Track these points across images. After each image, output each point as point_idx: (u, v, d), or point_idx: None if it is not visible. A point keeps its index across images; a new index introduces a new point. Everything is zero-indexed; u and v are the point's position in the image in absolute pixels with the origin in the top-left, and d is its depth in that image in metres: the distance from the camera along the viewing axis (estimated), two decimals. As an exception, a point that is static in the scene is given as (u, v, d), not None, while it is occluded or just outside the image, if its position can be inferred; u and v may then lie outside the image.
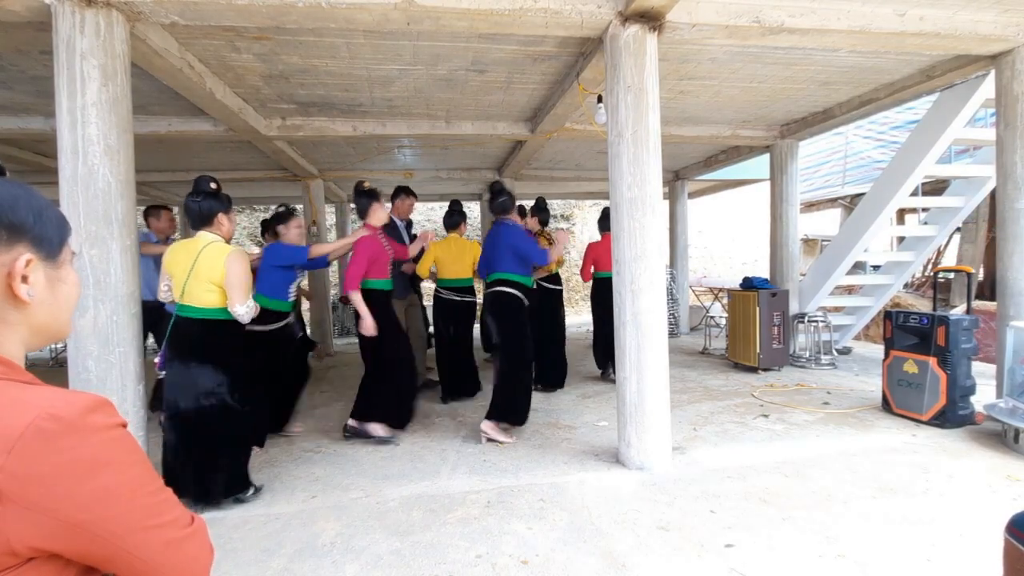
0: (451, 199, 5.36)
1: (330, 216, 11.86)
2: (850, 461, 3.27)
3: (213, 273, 2.77)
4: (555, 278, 5.45)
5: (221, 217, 2.90)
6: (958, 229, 9.34)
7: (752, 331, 5.84)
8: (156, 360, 2.96)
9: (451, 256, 4.85)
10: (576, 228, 14.80)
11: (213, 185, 2.90)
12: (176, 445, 2.81)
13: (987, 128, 6.27)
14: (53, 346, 8.43)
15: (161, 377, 2.95)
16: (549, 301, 5.32)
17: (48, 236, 0.73)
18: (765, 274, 7.19)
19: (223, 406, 2.82)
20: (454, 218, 4.96)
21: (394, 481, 3.18)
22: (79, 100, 2.72)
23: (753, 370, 5.90)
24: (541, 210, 5.14)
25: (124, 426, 0.68)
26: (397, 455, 3.62)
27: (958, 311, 6.93)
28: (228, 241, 2.94)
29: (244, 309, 2.79)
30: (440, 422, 4.36)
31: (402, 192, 5.24)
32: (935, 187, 8.57)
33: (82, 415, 0.62)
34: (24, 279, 0.69)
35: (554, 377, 5.29)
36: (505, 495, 2.94)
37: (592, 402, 4.82)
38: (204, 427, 2.79)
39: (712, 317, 7.96)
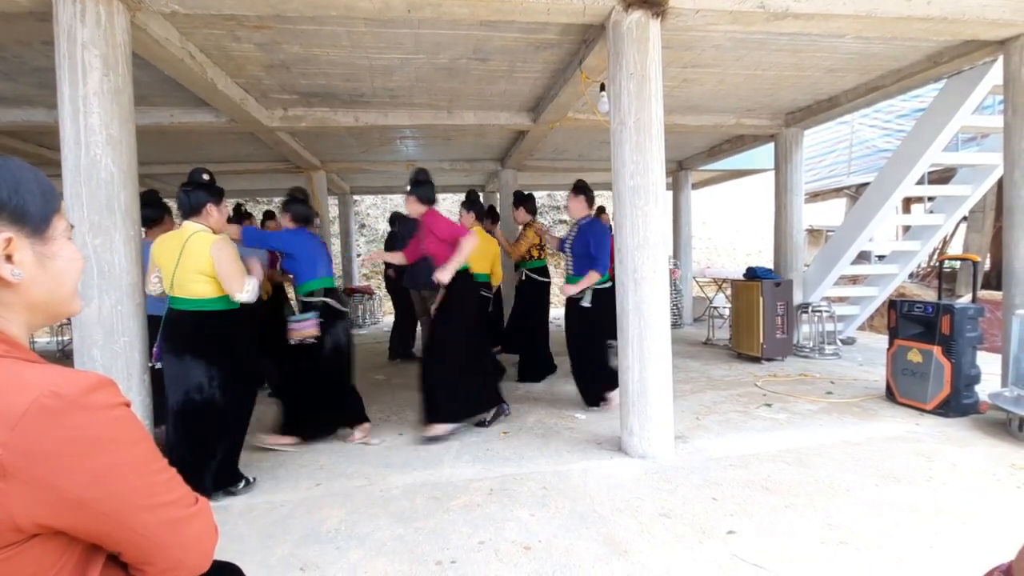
0: (465, 189, 5.12)
1: (333, 208, 11.86)
2: (853, 450, 3.27)
3: (199, 263, 2.73)
4: (542, 270, 5.21)
5: (210, 208, 2.85)
6: (965, 218, 9.27)
7: (756, 321, 5.83)
8: (154, 351, 2.94)
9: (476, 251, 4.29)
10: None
11: (206, 176, 2.89)
12: (173, 437, 2.79)
13: (995, 115, 6.19)
14: (60, 337, 8.48)
15: (158, 368, 2.92)
16: (535, 293, 5.20)
17: (28, 211, 0.68)
18: (769, 264, 7.16)
19: (212, 400, 2.77)
20: (475, 208, 4.57)
21: (397, 469, 3.20)
22: (81, 90, 2.72)
23: (756, 360, 5.89)
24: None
25: (127, 406, 0.67)
26: (400, 444, 3.64)
27: (964, 300, 6.89)
28: (216, 232, 2.87)
29: (246, 295, 2.79)
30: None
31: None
32: (942, 175, 8.50)
33: (84, 393, 0.62)
34: (8, 259, 0.66)
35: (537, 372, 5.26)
36: (508, 483, 2.95)
37: (595, 392, 4.82)
38: (195, 421, 2.76)
39: (715, 308, 7.94)
